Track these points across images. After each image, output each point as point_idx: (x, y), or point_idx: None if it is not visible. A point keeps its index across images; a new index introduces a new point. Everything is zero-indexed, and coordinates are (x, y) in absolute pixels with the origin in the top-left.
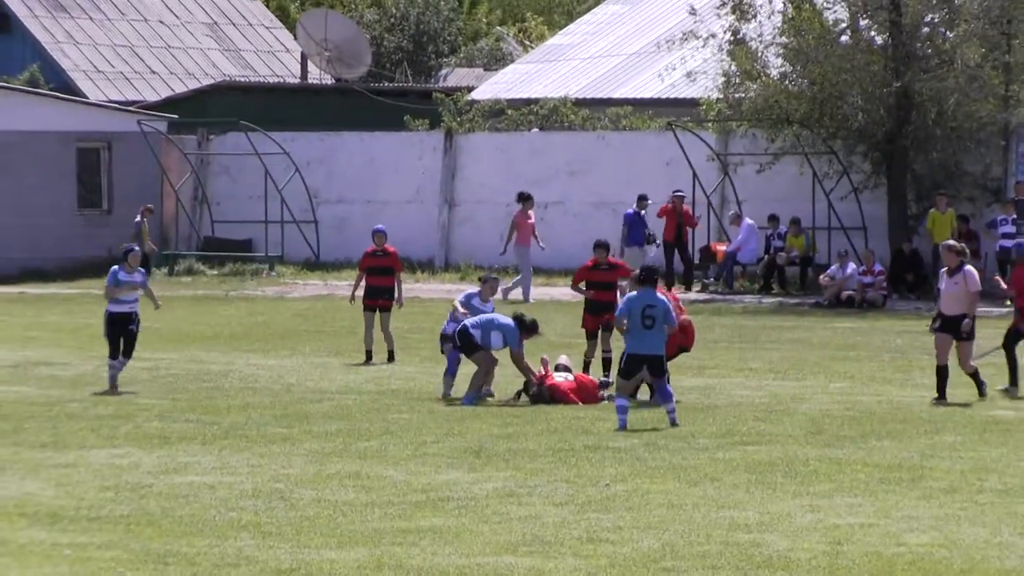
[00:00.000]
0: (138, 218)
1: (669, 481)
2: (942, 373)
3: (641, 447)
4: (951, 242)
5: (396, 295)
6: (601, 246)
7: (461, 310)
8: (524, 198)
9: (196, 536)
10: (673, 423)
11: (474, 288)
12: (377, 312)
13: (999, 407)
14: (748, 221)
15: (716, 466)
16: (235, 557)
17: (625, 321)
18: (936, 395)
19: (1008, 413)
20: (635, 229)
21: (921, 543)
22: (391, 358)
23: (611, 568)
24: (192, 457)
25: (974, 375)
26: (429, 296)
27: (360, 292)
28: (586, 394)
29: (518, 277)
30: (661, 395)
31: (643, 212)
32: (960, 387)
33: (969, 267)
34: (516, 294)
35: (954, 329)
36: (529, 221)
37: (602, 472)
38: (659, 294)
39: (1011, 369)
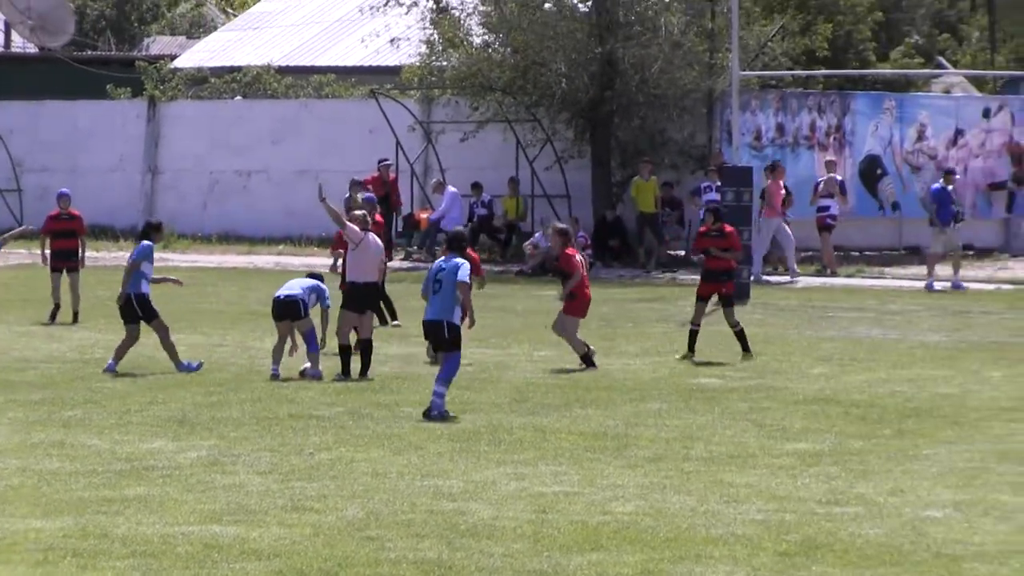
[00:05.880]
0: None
1: (373, 449)
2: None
3: (345, 415)
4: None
5: (80, 256)
6: (711, 211)
7: None
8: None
9: None
10: (431, 411)
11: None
12: (65, 273)
13: (703, 375)
14: (451, 189)
15: (420, 434)
16: None
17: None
18: None
19: (713, 381)
20: (944, 206)
21: (627, 511)
22: (75, 318)
23: (315, 537)
24: None
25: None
26: None
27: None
28: None
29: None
30: (440, 370)
31: (951, 187)
32: (665, 355)
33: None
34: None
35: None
36: (781, 192)
37: (306, 441)
38: (455, 259)
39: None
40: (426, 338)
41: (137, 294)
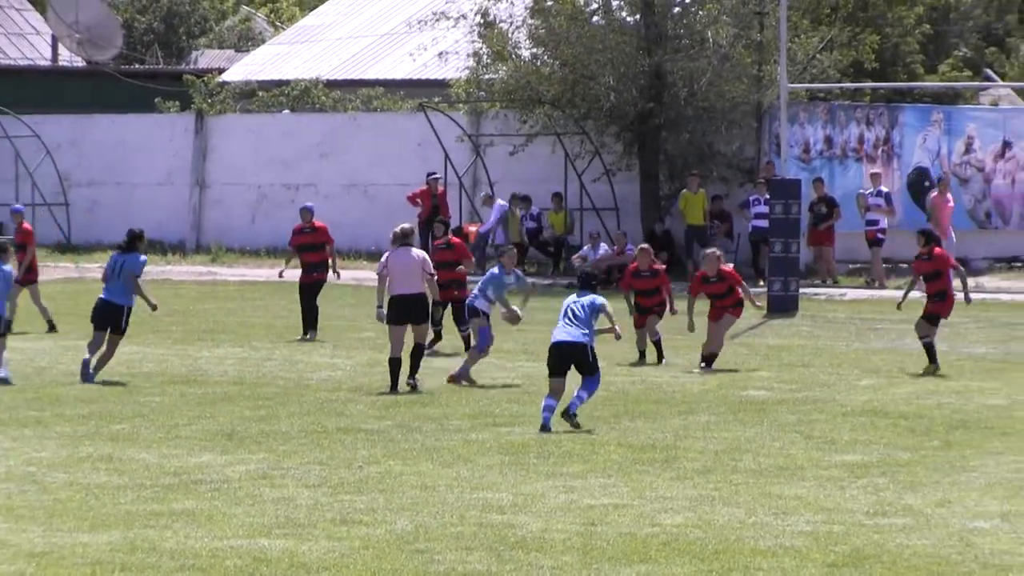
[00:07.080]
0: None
1: (422, 463)
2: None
3: (394, 429)
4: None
5: (25, 270)
6: (921, 233)
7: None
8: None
9: None
10: (569, 410)
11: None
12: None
13: (752, 387)
14: (500, 202)
15: (469, 447)
16: None
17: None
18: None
19: (761, 393)
20: None
21: (675, 524)
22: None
23: (365, 550)
24: None
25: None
26: (180, 278)
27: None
28: None
29: None
30: (587, 389)
31: None
32: (714, 367)
33: None
34: None
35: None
36: (949, 205)
37: (355, 454)
38: (588, 294)
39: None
40: (558, 359)
41: (128, 306)
